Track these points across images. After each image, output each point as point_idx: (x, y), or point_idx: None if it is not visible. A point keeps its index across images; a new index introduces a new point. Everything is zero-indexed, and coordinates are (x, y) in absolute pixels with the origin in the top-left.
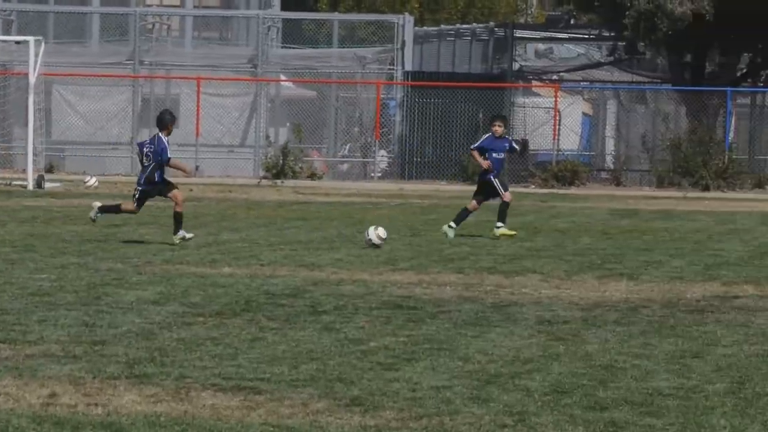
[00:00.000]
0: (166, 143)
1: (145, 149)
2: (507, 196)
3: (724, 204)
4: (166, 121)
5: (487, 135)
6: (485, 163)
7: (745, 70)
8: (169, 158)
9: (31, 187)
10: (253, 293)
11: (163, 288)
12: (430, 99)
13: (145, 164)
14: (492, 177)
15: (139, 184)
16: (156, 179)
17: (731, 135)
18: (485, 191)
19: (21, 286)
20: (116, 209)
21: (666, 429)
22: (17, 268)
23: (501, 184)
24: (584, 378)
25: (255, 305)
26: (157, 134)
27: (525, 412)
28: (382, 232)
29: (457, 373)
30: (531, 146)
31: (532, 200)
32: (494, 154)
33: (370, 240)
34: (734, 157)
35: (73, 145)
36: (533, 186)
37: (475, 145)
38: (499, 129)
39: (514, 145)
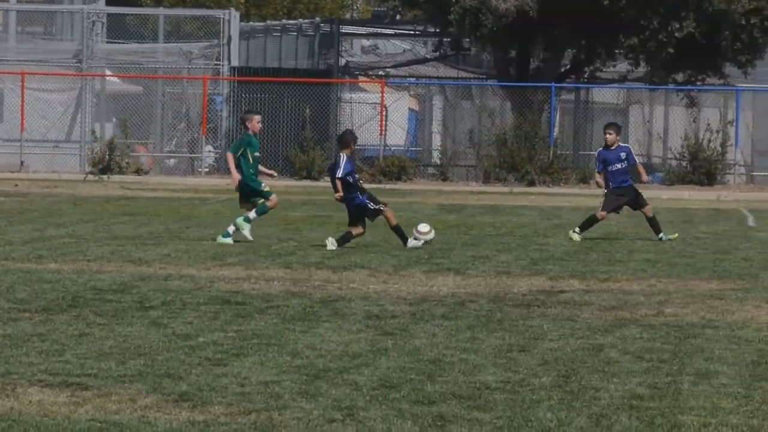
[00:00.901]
0: None
1: None
2: (601, 214)
3: (549, 199)
4: None
5: (600, 149)
6: (600, 183)
7: (568, 66)
8: None
9: None
10: (80, 289)
11: None
12: (257, 94)
13: None
14: (608, 191)
15: None
16: None
17: (556, 130)
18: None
19: None
20: None
21: (493, 423)
22: None
23: (606, 200)
24: (412, 372)
25: (82, 301)
26: None
27: (353, 407)
28: (423, 227)
29: (286, 368)
30: (358, 141)
31: None
32: (609, 167)
33: (422, 240)
34: (559, 152)
35: None
36: (360, 181)
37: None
38: (609, 137)
39: (633, 156)
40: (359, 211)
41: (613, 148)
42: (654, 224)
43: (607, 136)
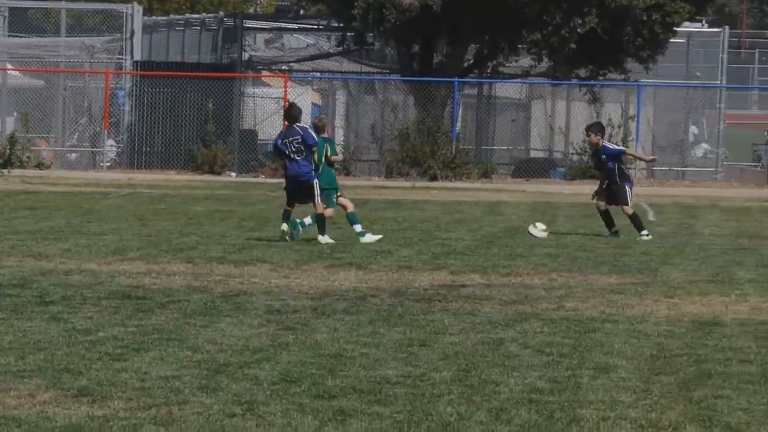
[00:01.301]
0: None
1: None
2: (627, 210)
3: (451, 194)
4: None
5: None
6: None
7: (472, 61)
8: None
9: None
10: None
11: None
12: (160, 89)
13: None
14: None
15: None
16: None
17: (458, 125)
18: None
19: None
20: None
21: (393, 417)
22: None
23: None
24: (313, 367)
25: None
26: None
27: (254, 402)
28: (540, 225)
29: (186, 362)
30: (260, 136)
31: (262, 190)
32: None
33: (535, 237)
34: (461, 147)
35: None
36: (263, 176)
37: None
38: (593, 138)
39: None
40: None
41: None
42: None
43: (592, 137)
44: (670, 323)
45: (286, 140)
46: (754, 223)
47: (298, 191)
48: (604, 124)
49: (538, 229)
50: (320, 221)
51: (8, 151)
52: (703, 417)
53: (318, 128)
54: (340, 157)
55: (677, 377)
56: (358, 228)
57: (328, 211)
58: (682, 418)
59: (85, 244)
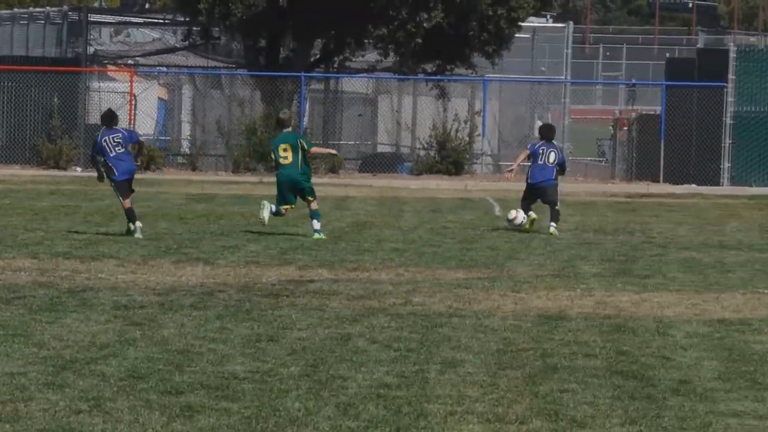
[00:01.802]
0: None
1: None
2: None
3: None
4: None
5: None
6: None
7: (318, 56)
8: None
9: None
10: None
11: None
12: (3, 83)
13: None
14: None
15: None
16: None
17: (306, 120)
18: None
19: None
20: None
21: (241, 412)
22: None
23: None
24: (160, 363)
25: None
26: None
27: (101, 398)
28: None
29: (32, 359)
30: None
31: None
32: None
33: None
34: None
35: None
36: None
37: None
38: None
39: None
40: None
41: None
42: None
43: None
44: (516, 318)
45: (107, 137)
46: (599, 217)
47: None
48: (451, 119)
49: (519, 216)
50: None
51: None
52: (549, 411)
53: (283, 122)
54: (333, 150)
55: (523, 371)
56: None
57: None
58: (528, 412)
59: None
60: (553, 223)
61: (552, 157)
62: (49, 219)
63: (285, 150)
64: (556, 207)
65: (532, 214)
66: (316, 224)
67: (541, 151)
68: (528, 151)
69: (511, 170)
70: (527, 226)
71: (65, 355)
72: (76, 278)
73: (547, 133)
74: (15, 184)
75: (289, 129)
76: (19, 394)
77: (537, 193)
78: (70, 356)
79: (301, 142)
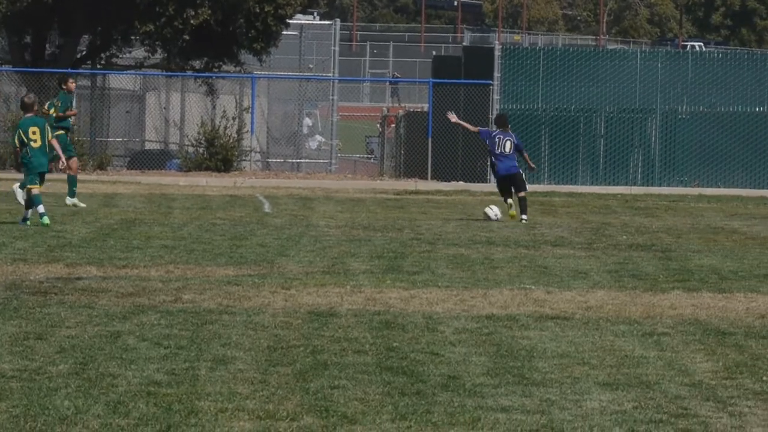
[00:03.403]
0: None
1: None
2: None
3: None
4: None
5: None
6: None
7: (85, 52)
8: None
9: None
10: None
11: None
12: None
13: None
14: None
15: None
16: None
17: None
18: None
19: None
20: None
21: (9, 411)
22: None
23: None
24: None
25: None
26: None
27: None
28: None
29: None
30: None
31: None
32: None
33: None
34: (76, 139)
35: None
36: None
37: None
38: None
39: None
40: None
41: None
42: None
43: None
44: (286, 314)
45: None
46: (368, 214)
47: None
48: (219, 116)
49: (493, 212)
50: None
51: None
52: (319, 407)
53: (27, 107)
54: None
55: (294, 368)
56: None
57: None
58: (299, 409)
59: None
60: (524, 216)
61: (508, 146)
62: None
63: (34, 133)
64: (524, 196)
65: (510, 201)
66: (41, 208)
67: (497, 139)
68: (477, 129)
69: (452, 116)
70: (512, 213)
71: None
72: None
73: (502, 121)
74: None
75: (33, 114)
76: None
77: (509, 182)
78: None
79: (47, 128)
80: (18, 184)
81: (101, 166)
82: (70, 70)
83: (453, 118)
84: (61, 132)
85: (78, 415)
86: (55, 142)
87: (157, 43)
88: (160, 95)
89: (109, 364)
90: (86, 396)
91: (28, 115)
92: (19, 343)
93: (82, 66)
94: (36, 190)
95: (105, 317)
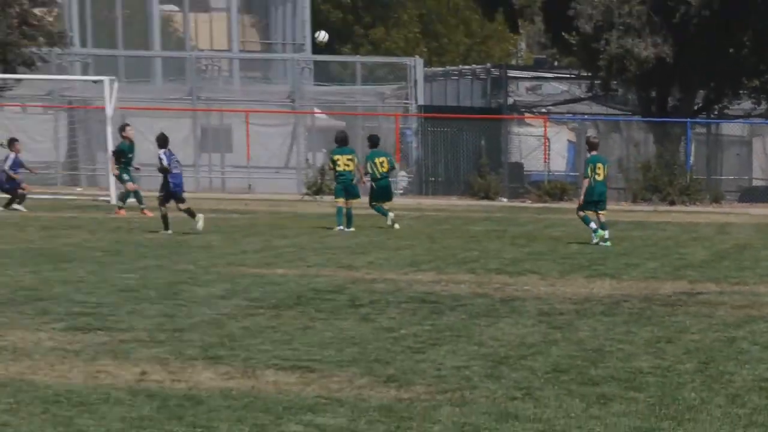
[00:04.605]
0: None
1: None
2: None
3: (687, 216)
4: None
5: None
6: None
7: (701, 104)
8: None
9: (114, 201)
10: (302, 290)
11: (229, 285)
12: (440, 128)
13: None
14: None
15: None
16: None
17: (691, 159)
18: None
19: (112, 284)
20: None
21: (647, 401)
22: (108, 269)
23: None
24: (578, 359)
25: (305, 300)
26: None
27: (531, 387)
28: None
29: (474, 355)
30: (526, 168)
31: (529, 213)
32: None
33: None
34: (694, 177)
35: (147, 167)
36: (529, 201)
37: None
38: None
39: None
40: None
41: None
42: None
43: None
44: None
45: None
46: None
47: None
48: None
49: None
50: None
51: (319, 180)
52: None
53: (594, 144)
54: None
55: None
56: None
57: None
58: None
59: (385, 258)
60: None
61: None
62: (482, 241)
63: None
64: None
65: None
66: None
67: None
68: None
69: None
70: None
71: (500, 352)
72: (507, 289)
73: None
74: (452, 212)
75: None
76: (465, 383)
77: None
78: (504, 353)
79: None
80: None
81: (716, 200)
82: (688, 120)
83: None
84: None
85: (702, 405)
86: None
87: (762, 95)
88: (764, 140)
89: (727, 363)
90: (709, 389)
91: (593, 152)
92: (652, 346)
93: (699, 116)
94: None
95: (722, 325)
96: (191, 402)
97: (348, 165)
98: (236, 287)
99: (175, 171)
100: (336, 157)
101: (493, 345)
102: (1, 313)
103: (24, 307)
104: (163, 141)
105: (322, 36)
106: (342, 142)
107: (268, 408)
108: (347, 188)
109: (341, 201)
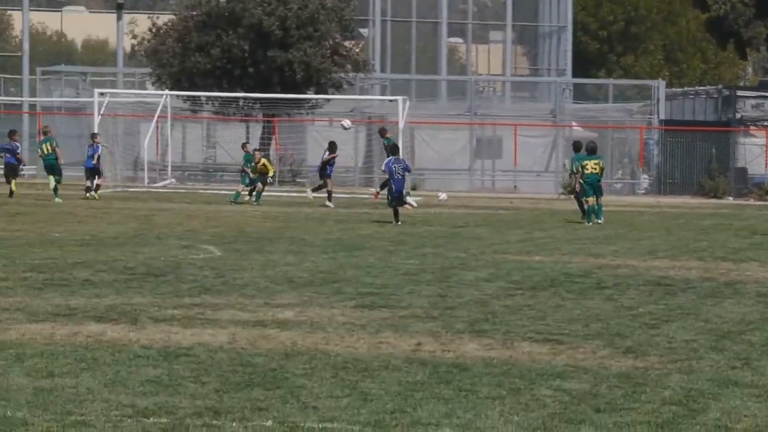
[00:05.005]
0: None
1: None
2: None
3: None
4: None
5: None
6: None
7: None
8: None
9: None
10: (556, 274)
11: (493, 270)
12: (678, 139)
13: None
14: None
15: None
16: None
17: None
18: None
19: (395, 268)
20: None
21: None
22: (393, 256)
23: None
24: None
25: (557, 282)
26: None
27: (749, 358)
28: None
29: (701, 330)
30: (749, 172)
31: (751, 210)
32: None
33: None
34: None
35: (430, 170)
36: (752, 200)
37: None
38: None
39: None
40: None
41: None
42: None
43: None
44: None
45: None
46: None
47: None
48: None
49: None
50: None
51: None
52: None
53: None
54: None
55: None
56: None
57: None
58: None
59: (628, 247)
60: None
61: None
62: (710, 233)
63: None
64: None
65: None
66: None
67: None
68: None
69: None
70: None
71: (723, 328)
72: (730, 274)
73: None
74: (686, 209)
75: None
76: (692, 354)
77: None
78: (727, 329)
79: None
80: None
81: None
82: None
83: None
84: None
85: None
86: None
87: None
88: None
89: None
90: None
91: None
92: None
93: None
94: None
95: None
96: (458, 369)
97: (595, 168)
98: (500, 272)
99: (397, 176)
100: (585, 162)
101: (717, 321)
102: (302, 293)
103: (321, 287)
104: (393, 149)
105: (347, 124)
106: (591, 151)
107: (522, 374)
108: (594, 188)
109: (591, 200)
